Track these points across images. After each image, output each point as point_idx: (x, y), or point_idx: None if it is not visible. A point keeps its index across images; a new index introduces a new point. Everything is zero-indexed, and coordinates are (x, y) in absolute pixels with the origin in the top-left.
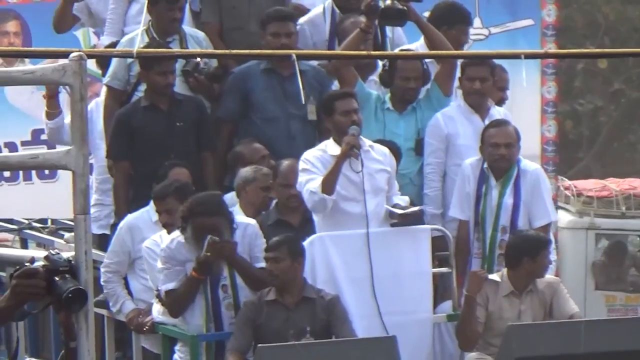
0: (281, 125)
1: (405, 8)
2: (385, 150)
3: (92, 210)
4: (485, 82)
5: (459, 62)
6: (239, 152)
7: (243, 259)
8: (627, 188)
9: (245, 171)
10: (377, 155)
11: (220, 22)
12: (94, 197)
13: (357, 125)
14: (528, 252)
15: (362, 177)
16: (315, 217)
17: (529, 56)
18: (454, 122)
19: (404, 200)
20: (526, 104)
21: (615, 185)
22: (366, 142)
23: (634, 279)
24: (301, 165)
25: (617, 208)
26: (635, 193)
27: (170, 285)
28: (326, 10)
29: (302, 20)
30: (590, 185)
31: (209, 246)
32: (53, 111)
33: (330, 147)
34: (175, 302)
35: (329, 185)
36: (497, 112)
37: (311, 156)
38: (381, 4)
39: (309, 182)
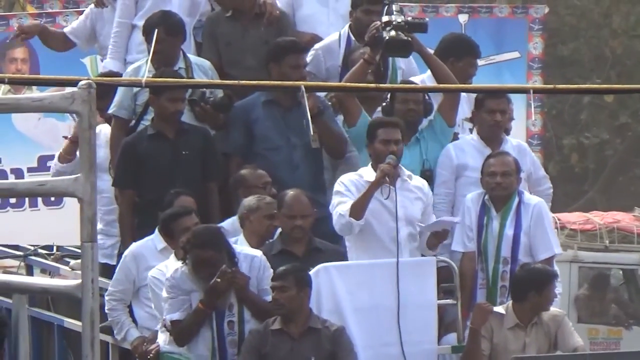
0: (284, 155)
1: (409, 39)
2: (424, 182)
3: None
4: (504, 115)
5: (474, 95)
6: (241, 176)
7: (253, 293)
8: (610, 221)
9: (249, 200)
10: (414, 185)
11: (218, 58)
12: (98, 226)
13: (396, 155)
14: (535, 286)
15: (395, 204)
16: (346, 243)
17: (537, 91)
18: (465, 154)
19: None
20: (512, 136)
21: (599, 218)
22: (405, 172)
23: (616, 312)
24: (336, 187)
25: (601, 241)
26: (619, 226)
27: (175, 315)
28: (342, 37)
29: (317, 45)
30: (574, 218)
31: (220, 273)
32: (69, 157)
33: (366, 173)
34: (181, 333)
35: (358, 210)
36: (510, 145)
37: (347, 180)
38: (385, 35)
39: (339, 205)
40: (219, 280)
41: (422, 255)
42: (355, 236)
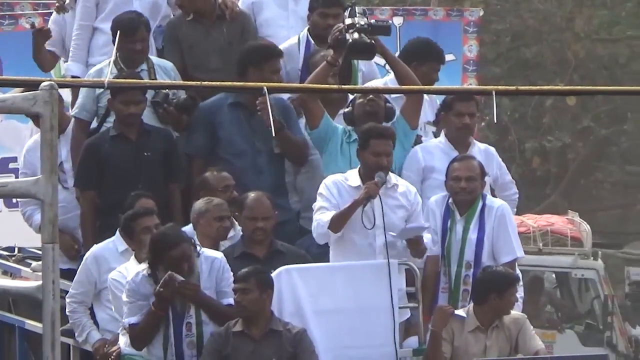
0: (248, 159)
1: (373, 42)
2: (412, 189)
3: None
4: (473, 118)
5: (437, 99)
6: (204, 179)
7: (208, 298)
8: (544, 224)
9: (198, 204)
10: (399, 192)
11: (181, 61)
12: None
13: (385, 171)
14: (496, 288)
15: (373, 211)
16: (330, 246)
17: (500, 92)
18: (433, 156)
19: (426, 237)
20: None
21: (532, 221)
22: (393, 179)
23: (550, 315)
24: (320, 188)
25: (534, 244)
26: (553, 230)
27: (133, 320)
28: (301, 40)
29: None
30: None
31: (163, 283)
32: None
33: (351, 177)
34: (137, 336)
35: (337, 224)
36: (478, 149)
37: (330, 182)
38: (349, 38)
39: (321, 211)
40: (162, 289)
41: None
42: (335, 242)
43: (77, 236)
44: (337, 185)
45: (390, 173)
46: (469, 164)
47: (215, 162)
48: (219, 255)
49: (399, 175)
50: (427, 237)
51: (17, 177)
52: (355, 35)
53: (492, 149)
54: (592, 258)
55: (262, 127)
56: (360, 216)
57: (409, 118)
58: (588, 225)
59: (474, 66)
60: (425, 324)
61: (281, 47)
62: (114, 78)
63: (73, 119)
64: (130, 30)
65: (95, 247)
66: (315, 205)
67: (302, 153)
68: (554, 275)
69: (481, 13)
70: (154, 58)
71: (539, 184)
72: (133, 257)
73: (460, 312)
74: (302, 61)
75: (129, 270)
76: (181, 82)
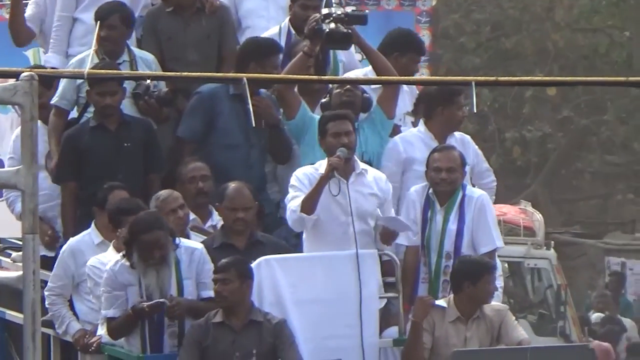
0: (241, 153)
1: (349, 31)
2: (382, 176)
3: None
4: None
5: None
6: (178, 171)
7: (188, 303)
8: (497, 214)
9: (154, 198)
10: (369, 179)
11: (160, 53)
12: None
13: (348, 148)
14: (469, 276)
15: (347, 199)
16: (303, 236)
17: (480, 83)
18: (413, 147)
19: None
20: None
21: None
22: (361, 166)
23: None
24: (291, 181)
25: None
26: (505, 219)
27: (110, 312)
28: (282, 30)
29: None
30: None
31: (153, 306)
32: None
33: (322, 166)
34: (115, 330)
35: (308, 205)
36: (454, 138)
37: (301, 173)
38: (325, 28)
39: (292, 200)
40: (147, 309)
41: (384, 253)
42: (309, 232)
43: (56, 225)
44: (308, 176)
45: (357, 160)
46: (449, 155)
47: (206, 150)
48: (199, 246)
49: (378, 166)
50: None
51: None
52: (332, 25)
53: (468, 137)
54: (544, 248)
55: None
56: (332, 204)
57: (385, 107)
58: (540, 215)
59: (426, 56)
60: (406, 314)
61: (263, 35)
62: (92, 69)
63: (54, 108)
64: (100, 18)
65: (71, 240)
66: (288, 198)
67: (288, 152)
68: (506, 265)
69: (433, 2)
70: (135, 50)
71: (520, 173)
72: (112, 247)
73: (441, 302)
74: (284, 51)
75: (108, 258)
76: (160, 72)
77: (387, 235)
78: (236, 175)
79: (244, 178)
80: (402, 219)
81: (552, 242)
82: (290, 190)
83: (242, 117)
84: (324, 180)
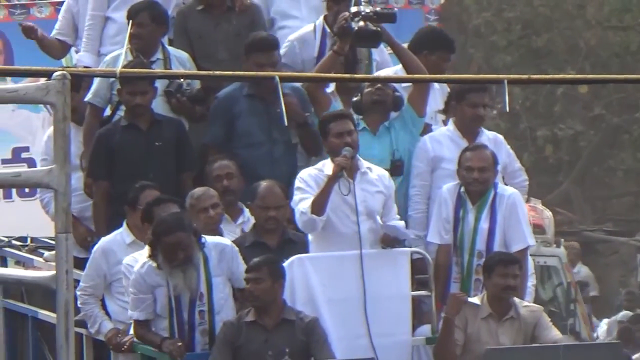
0: (265, 150)
1: (379, 29)
2: (385, 173)
3: None
4: (486, 109)
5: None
6: (205, 171)
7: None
8: None
9: (187, 199)
10: (374, 177)
11: (191, 51)
12: None
13: (351, 147)
14: (485, 269)
15: (355, 198)
16: (309, 237)
17: (512, 81)
18: (441, 145)
19: (400, 224)
20: None
21: None
22: (364, 164)
23: None
24: (296, 183)
25: None
26: None
27: (135, 315)
28: (317, 28)
29: (292, 37)
30: None
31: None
32: None
33: (327, 167)
34: (140, 337)
35: (318, 206)
36: (486, 137)
37: (306, 175)
38: (354, 26)
39: (301, 202)
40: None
41: (417, 252)
42: (317, 232)
43: (92, 226)
44: (314, 177)
45: (360, 159)
46: (481, 154)
47: (232, 151)
48: (228, 242)
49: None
50: (401, 223)
51: (30, 166)
52: (361, 23)
53: (501, 137)
54: (554, 245)
55: (280, 118)
56: (340, 203)
57: (416, 106)
58: (550, 212)
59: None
60: (438, 313)
61: (296, 34)
62: (123, 67)
63: (88, 106)
64: (131, 16)
65: (103, 240)
66: (295, 200)
67: (320, 144)
68: None
69: (442, 1)
70: (170, 48)
71: (552, 171)
72: (147, 246)
73: (474, 299)
74: (318, 49)
75: (144, 257)
76: (192, 71)
77: (387, 240)
78: (261, 172)
79: (269, 174)
80: (402, 229)
81: (562, 239)
82: (296, 192)
83: (260, 114)
84: (332, 180)
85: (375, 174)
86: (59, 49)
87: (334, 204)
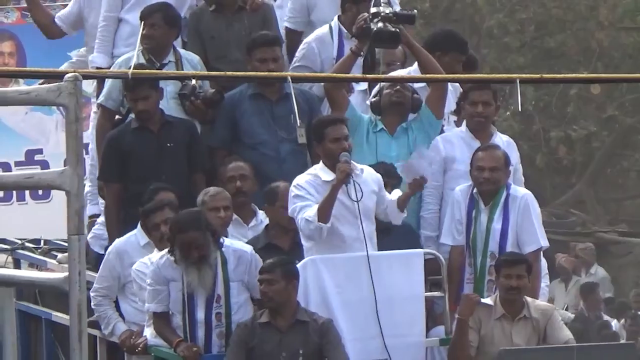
0: (270, 149)
1: (397, 30)
2: (371, 170)
3: (97, 227)
4: (488, 106)
5: (459, 87)
6: (219, 171)
7: None
8: None
9: (199, 197)
10: (366, 177)
11: (204, 53)
12: (100, 218)
13: (348, 152)
14: (495, 269)
15: (357, 201)
16: (304, 243)
17: (525, 80)
18: (453, 146)
19: (396, 193)
20: None
21: None
22: (357, 166)
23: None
24: (294, 191)
25: None
26: None
27: (152, 307)
28: (333, 28)
29: (309, 38)
30: None
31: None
32: None
33: (321, 172)
34: (158, 330)
35: (324, 213)
36: (500, 140)
37: (303, 182)
38: (373, 27)
39: (303, 210)
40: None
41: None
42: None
43: None
44: (312, 184)
45: (352, 162)
46: (493, 154)
47: (238, 152)
48: (248, 248)
49: None
50: (396, 192)
51: (43, 168)
52: (380, 24)
53: (514, 143)
54: None
55: (285, 116)
56: (342, 209)
57: (433, 108)
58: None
59: None
60: (452, 314)
61: (312, 36)
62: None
63: (100, 108)
64: (143, 17)
65: (117, 242)
66: (295, 208)
67: None
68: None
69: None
70: (181, 50)
71: (565, 172)
72: (156, 249)
73: (487, 300)
74: (337, 48)
75: (153, 260)
76: (203, 72)
77: (416, 182)
78: (269, 172)
79: (276, 173)
80: (415, 164)
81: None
82: (295, 200)
83: (265, 114)
84: (337, 186)
85: (366, 173)
86: (50, 26)
87: (336, 209)
